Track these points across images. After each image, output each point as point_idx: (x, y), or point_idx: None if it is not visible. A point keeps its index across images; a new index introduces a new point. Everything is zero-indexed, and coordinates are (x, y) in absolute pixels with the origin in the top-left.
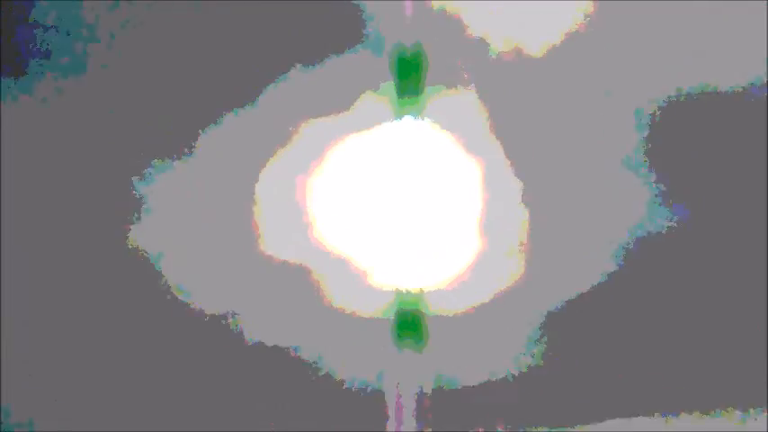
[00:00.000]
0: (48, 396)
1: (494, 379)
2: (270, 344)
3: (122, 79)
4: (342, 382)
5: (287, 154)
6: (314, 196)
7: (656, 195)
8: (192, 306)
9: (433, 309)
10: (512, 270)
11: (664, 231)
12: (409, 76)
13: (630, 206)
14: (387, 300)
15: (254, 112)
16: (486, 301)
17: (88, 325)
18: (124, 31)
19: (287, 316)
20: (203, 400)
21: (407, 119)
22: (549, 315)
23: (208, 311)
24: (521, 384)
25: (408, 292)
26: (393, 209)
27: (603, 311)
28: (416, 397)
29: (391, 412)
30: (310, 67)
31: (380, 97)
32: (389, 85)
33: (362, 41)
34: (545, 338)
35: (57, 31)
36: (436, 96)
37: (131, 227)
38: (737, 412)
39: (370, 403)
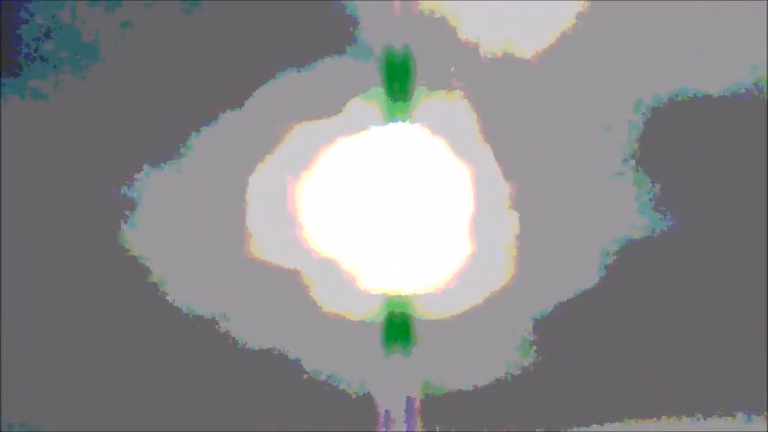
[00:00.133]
0: (43, 397)
1: (484, 382)
2: (259, 346)
3: (111, 82)
4: (331, 385)
5: (277, 157)
6: (304, 199)
7: (648, 198)
8: (181, 308)
9: (422, 312)
10: (502, 273)
11: (656, 234)
12: (398, 80)
13: (622, 209)
14: (376, 303)
15: (244, 116)
16: (476, 304)
17: (76, 328)
18: (113, 34)
19: (277, 318)
20: (194, 401)
21: (397, 122)
22: (540, 318)
23: (198, 313)
24: (512, 387)
25: (398, 296)
26: (383, 212)
27: (595, 315)
28: (406, 401)
29: (380, 416)
30: (299, 70)
31: (370, 100)
32: (378, 88)
33: (351, 44)
34: (536, 341)
35: (47, 32)
36: (425, 99)
37: (121, 229)
38: (734, 415)
39: (358, 407)
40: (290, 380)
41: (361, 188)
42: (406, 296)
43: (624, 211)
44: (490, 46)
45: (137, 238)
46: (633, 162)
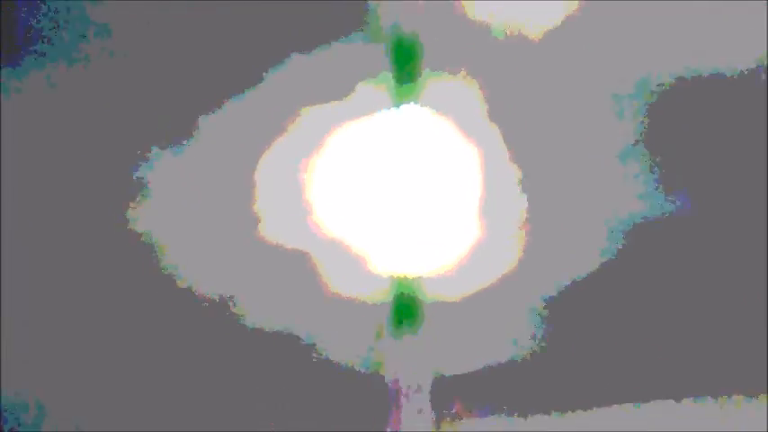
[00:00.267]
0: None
1: (492, 364)
2: (268, 329)
3: (121, 67)
4: (339, 367)
5: (286, 141)
6: (313, 183)
7: (655, 182)
8: (191, 291)
9: (430, 295)
10: (510, 256)
11: (663, 218)
12: (406, 63)
13: (629, 193)
14: (384, 285)
15: (253, 100)
16: (485, 286)
17: (85, 311)
18: (121, 19)
19: (286, 301)
20: (202, 386)
21: (405, 105)
22: (548, 301)
23: (207, 296)
24: (519, 369)
25: (406, 278)
26: (392, 195)
27: (602, 298)
28: (414, 383)
29: (390, 398)
30: (308, 54)
31: (378, 84)
32: (387, 72)
33: (359, 28)
34: (544, 324)
35: (54, 22)
36: (434, 83)
37: (131, 214)
38: (737, 401)
39: (366, 388)
40: (300, 361)
41: (370, 171)
42: (414, 278)
43: (632, 194)
44: (498, 28)
45: (147, 221)
46: (642, 146)
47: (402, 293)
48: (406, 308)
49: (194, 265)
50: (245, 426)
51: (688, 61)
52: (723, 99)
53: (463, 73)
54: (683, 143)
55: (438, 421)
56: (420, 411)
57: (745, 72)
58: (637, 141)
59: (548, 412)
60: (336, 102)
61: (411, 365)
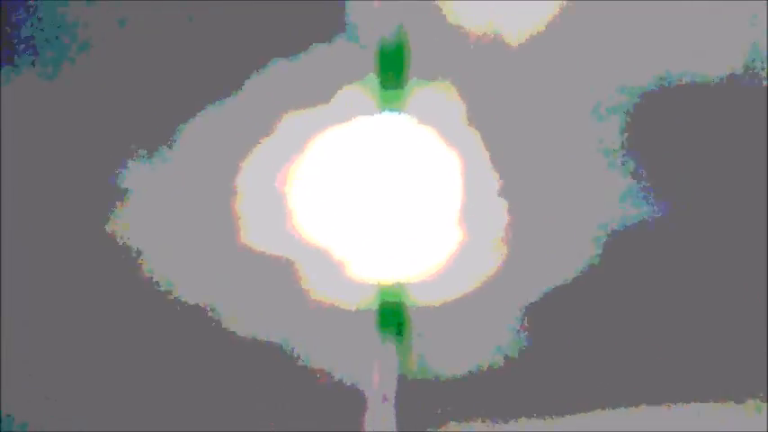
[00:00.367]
0: (38, 393)
1: (476, 369)
2: (251, 336)
3: (100, 73)
4: (324, 374)
5: (268, 146)
6: (295, 188)
7: (638, 187)
8: (172, 298)
9: (415, 300)
10: (493, 262)
11: (646, 223)
12: (392, 69)
13: (613, 197)
14: (369, 292)
15: (235, 104)
16: (467, 292)
17: (65, 319)
18: (103, 25)
19: (269, 309)
20: (188, 392)
21: (389, 111)
22: (531, 306)
23: (188, 303)
24: (503, 374)
25: (390, 284)
26: (374, 201)
27: (585, 302)
28: (399, 388)
29: (374, 404)
30: (291, 58)
31: (362, 89)
32: (372, 78)
33: (344, 32)
34: (527, 329)
35: (39, 25)
36: (418, 89)
37: (112, 220)
38: (726, 402)
39: (352, 395)
40: (284, 370)
41: (352, 177)
42: (399, 285)
43: (614, 199)
44: (482, 35)
45: (127, 228)
46: (623, 151)
47: (387, 300)
48: (392, 314)
49: (176, 273)
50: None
51: (672, 65)
52: (711, 103)
53: (445, 79)
54: (668, 148)
55: (423, 425)
56: (403, 415)
57: (731, 76)
58: (621, 146)
59: (532, 417)
60: (319, 107)
61: (395, 371)
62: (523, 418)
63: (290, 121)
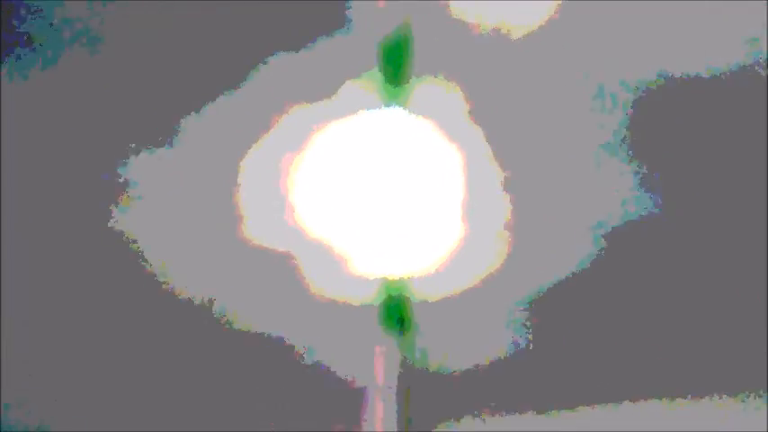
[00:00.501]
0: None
1: (478, 363)
2: (254, 331)
3: (103, 67)
4: (327, 369)
5: (271, 140)
6: (298, 183)
7: (640, 182)
8: (175, 292)
9: (418, 295)
10: (494, 256)
11: (647, 218)
12: (395, 64)
13: (614, 192)
14: (372, 287)
15: (238, 99)
16: (469, 287)
17: (67, 314)
18: (104, 17)
19: (271, 303)
20: (189, 386)
21: (392, 106)
22: (533, 300)
23: (191, 298)
24: (505, 369)
25: (394, 279)
26: (377, 196)
27: (587, 297)
28: (404, 383)
29: (379, 398)
30: (295, 52)
31: (365, 85)
32: (375, 73)
33: (347, 27)
34: (528, 323)
35: (39, 19)
36: (421, 84)
37: (114, 214)
38: (722, 396)
39: (355, 390)
40: (286, 364)
41: (355, 172)
42: (402, 280)
43: (616, 194)
44: (484, 31)
45: (129, 221)
46: (625, 146)
47: (390, 295)
48: (395, 309)
49: (178, 267)
50: (229, 428)
51: (674, 63)
52: (711, 100)
53: (448, 75)
54: (668, 145)
55: (425, 421)
56: (404, 411)
57: (731, 73)
58: (621, 143)
59: (534, 412)
60: (322, 101)
61: (398, 366)
62: (526, 413)
63: (293, 116)
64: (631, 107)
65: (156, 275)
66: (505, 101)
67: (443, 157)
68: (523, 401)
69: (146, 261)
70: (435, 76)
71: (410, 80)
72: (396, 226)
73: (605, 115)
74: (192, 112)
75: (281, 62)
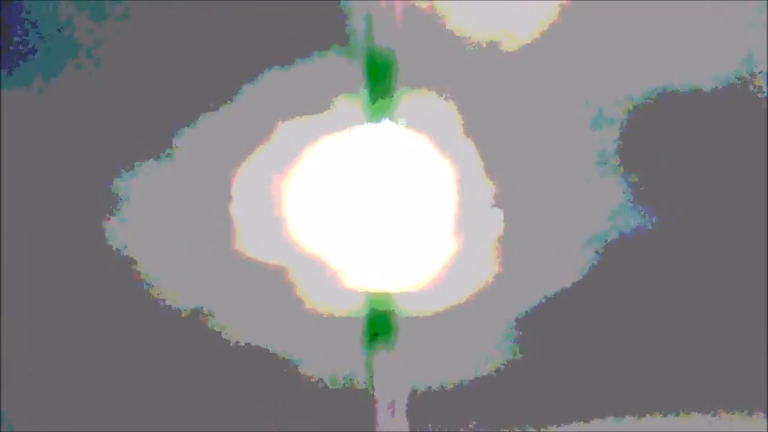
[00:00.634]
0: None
1: (468, 379)
2: (244, 342)
3: (96, 80)
4: (315, 381)
5: (262, 155)
6: (289, 197)
7: (632, 196)
8: (167, 305)
9: (405, 310)
10: (486, 271)
11: (640, 231)
12: (380, 79)
13: (606, 206)
14: (359, 300)
15: (231, 113)
16: (461, 302)
17: (63, 323)
18: (100, 31)
19: (261, 315)
20: (180, 397)
21: (381, 120)
22: (524, 316)
23: (183, 309)
24: (495, 385)
25: (380, 293)
26: (368, 210)
27: (578, 312)
28: (390, 398)
29: (366, 412)
30: (287, 67)
31: (354, 98)
32: (362, 86)
33: (334, 43)
34: (520, 339)
35: (34, 30)
36: (410, 98)
37: (108, 226)
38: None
39: (341, 403)
40: (274, 376)
41: (345, 186)
42: (388, 293)
43: (608, 208)
44: (474, 43)
45: (123, 234)
46: (617, 159)
47: (376, 308)
48: (379, 323)
49: (170, 279)
50: None
51: (668, 74)
52: (708, 112)
53: (439, 88)
54: (662, 158)
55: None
56: (395, 426)
57: (729, 85)
58: (615, 156)
59: (526, 427)
60: (312, 116)
61: (386, 380)
62: (518, 429)
63: (285, 129)
64: (625, 120)
65: (150, 286)
66: (498, 114)
67: (436, 171)
68: (515, 417)
69: (140, 272)
70: (427, 89)
71: (401, 93)
72: (388, 240)
73: (598, 128)
74: (185, 126)
75: (275, 76)
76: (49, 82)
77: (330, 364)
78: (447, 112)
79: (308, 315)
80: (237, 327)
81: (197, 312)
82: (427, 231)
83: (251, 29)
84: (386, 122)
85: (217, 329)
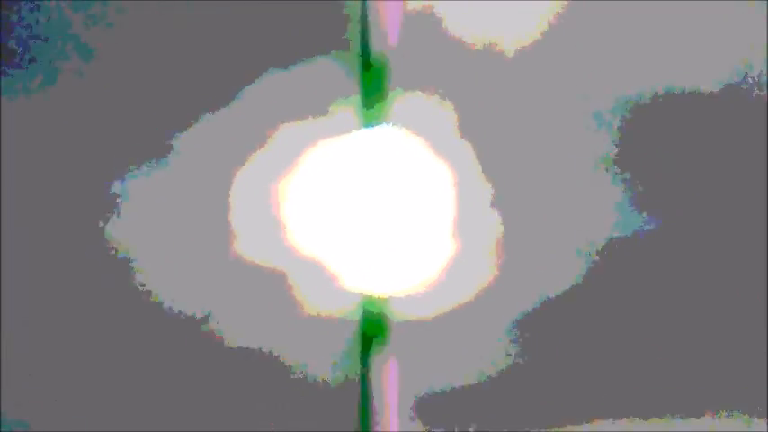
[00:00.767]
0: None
1: (466, 383)
2: (242, 345)
3: (94, 82)
4: (312, 384)
5: (260, 159)
6: (287, 200)
7: (630, 198)
8: (165, 307)
9: (402, 313)
10: (484, 274)
11: (638, 234)
12: (377, 81)
13: (604, 208)
14: (354, 303)
15: (228, 116)
16: (458, 305)
17: (59, 325)
18: (97, 34)
19: (259, 317)
20: (178, 398)
21: (378, 123)
22: (522, 319)
23: (181, 312)
24: (493, 388)
25: (376, 297)
26: (366, 213)
27: (577, 315)
28: (387, 400)
29: (363, 414)
30: (285, 70)
31: (352, 102)
32: (359, 89)
33: (333, 46)
34: (518, 342)
35: (31, 33)
36: (405, 100)
37: (106, 229)
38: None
39: (336, 404)
40: (271, 377)
41: (343, 189)
42: (382, 297)
43: (606, 210)
44: (470, 45)
45: (121, 237)
46: (615, 161)
47: (373, 311)
48: (376, 325)
49: (169, 282)
50: None
51: (666, 76)
52: (707, 113)
53: (435, 90)
54: (660, 160)
55: None
56: (392, 428)
57: (728, 86)
58: (613, 158)
59: (524, 429)
60: (309, 120)
61: (384, 383)
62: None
63: (282, 135)
64: (624, 121)
65: (149, 290)
66: (496, 116)
67: (433, 174)
68: (514, 420)
69: (139, 277)
70: (424, 91)
71: (392, 97)
72: (386, 243)
73: (597, 131)
74: (183, 129)
75: (273, 80)
76: (48, 85)
77: (327, 366)
78: (444, 114)
79: (307, 318)
80: (235, 328)
81: (195, 314)
82: (425, 234)
83: (248, 33)
84: (383, 125)
85: (214, 331)
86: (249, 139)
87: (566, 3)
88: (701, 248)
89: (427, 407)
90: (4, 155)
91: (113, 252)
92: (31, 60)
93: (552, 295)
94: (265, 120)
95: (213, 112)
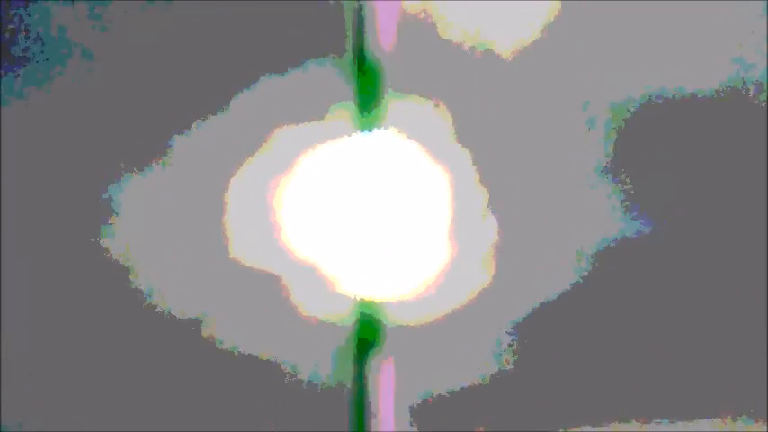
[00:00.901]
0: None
1: (462, 387)
2: (237, 348)
3: (91, 85)
4: (307, 388)
5: (256, 162)
6: (283, 204)
7: (626, 202)
8: (161, 310)
9: (400, 317)
10: (480, 278)
11: (634, 238)
12: (373, 85)
13: (600, 212)
14: (350, 307)
15: (224, 120)
16: (455, 309)
17: (58, 326)
18: (95, 37)
19: (255, 321)
20: (175, 400)
21: (373, 127)
22: (519, 323)
23: (177, 314)
24: (489, 392)
25: (372, 300)
26: (361, 218)
27: (573, 319)
28: (384, 404)
29: (359, 417)
30: (281, 75)
31: (348, 106)
32: (355, 94)
33: (323, 52)
34: (514, 346)
35: (28, 35)
36: (401, 105)
37: (102, 231)
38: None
39: (330, 409)
40: (266, 381)
41: (340, 193)
42: (378, 301)
43: (602, 214)
44: (466, 49)
45: (117, 240)
46: (611, 165)
47: (368, 315)
48: (372, 330)
49: (165, 285)
50: None
51: (663, 80)
52: (703, 118)
53: (431, 94)
54: (658, 163)
55: None
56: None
57: (725, 90)
58: (609, 163)
59: None
60: (306, 124)
61: (381, 386)
62: None
63: (278, 139)
64: (621, 126)
65: (145, 293)
66: (492, 120)
67: (429, 178)
68: (509, 425)
69: (136, 280)
70: (420, 95)
71: (387, 102)
72: (382, 248)
73: (594, 136)
74: (180, 132)
75: (269, 83)
76: (45, 87)
77: (323, 370)
78: (440, 117)
79: (302, 321)
80: (230, 331)
81: (190, 317)
82: (421, 238)
83: (244, 36)
84: (379, 129)
85: (210, 334)
86: (245, 143)
87: (562, 5)
88: (699, 252)
89: (423, 411)
90: (3, 156)
91: (110, 254)
92: (28, 62)
93: (548, 300)
94: (261, 124)
95: (209, 115)
